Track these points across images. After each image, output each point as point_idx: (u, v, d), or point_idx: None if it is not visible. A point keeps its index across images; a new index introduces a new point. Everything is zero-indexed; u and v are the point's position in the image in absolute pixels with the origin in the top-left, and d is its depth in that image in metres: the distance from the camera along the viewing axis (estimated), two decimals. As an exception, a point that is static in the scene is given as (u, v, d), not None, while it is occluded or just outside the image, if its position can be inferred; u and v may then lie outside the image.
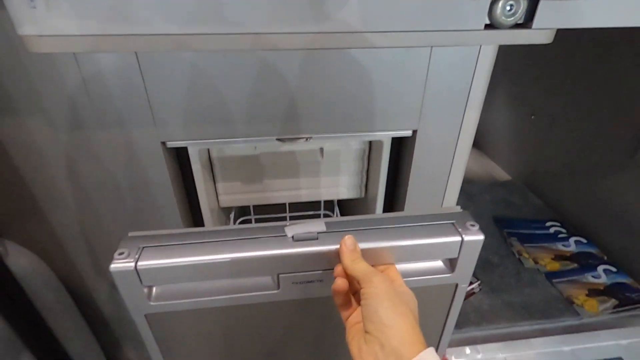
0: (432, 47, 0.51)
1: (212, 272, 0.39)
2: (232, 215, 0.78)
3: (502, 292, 1.02)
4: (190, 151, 0.60)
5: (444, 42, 0.41)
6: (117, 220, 0.60)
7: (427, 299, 0.38)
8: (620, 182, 1.11)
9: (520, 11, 0.41)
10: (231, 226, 0.42)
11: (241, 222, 0.83)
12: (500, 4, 0.40)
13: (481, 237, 0.41)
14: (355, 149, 0.75)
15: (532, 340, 0.92)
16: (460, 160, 0.63)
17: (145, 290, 0.40)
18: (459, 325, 0.92)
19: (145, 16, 0.35)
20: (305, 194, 0.78)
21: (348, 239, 0.39)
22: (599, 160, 1.18)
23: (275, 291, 0.42)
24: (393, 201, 0.74)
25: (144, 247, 0.39)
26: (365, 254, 0.38)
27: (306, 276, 0.41)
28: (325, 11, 0.36)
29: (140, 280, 0.38)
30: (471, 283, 1.02)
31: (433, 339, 0.54)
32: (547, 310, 0.96)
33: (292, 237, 0.40)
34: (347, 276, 0.38)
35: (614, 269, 1.07)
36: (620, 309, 0.95)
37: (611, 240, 1.14)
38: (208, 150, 0.69)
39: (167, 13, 0.35)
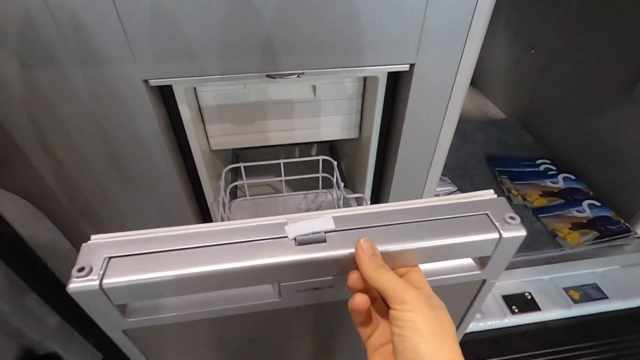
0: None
1: (197, 285, 0.32)
2: (222, 183, 0.75)
3: (490, 227, 1.05)
4: (176, 90, 0.57)
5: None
6: (103, 163, 0.59)
7: (448, 294, 0.33)
8: (614, 119, 1.11)
9: None
10: (219, 225, 0.34)
11: (232, 188, 0.80)
12: None
13: (522, 233, 0.33)
14: (349, 87, 0.72)
15: (515, 270, 0.97)
16: (457, 95, 0.61)
17: (118, 306, 0.33)
18: (447, 259, 0.97)
19: None
20: (298, 135, 0.77)
21: (365, 242, 0.31)
22: (595, 96, 1.16)
23: (276, 300, 0.36)
24: (388, 142, 0.73)
25: (110, 258, 0.31)
26: (385, 257, 0.32)
27: (312, 284, 0.35)
28: None
29: (109, 299, 0.31)
30: (461, 220, 1.06)
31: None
32: (531, 243, 1.01)
33: (295, 239, 0.32)
34: (365, 285, 0.32)
35: (598, 204, 1.11)
36: (600, 240, 1.00)
37: (599, 176, 1.16)
38: (195, 91, 0.66)
39: None
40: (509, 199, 1.15)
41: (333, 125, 0.77)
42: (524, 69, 1.44)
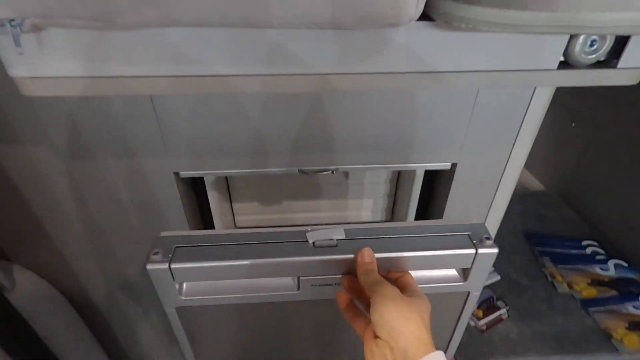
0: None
1: (238, 273, 0.41)
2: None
3: (532, 319, 0.95)
4: (206, 180, 0.56)
5: (509, 82, 0.34)
6: (126, 245, 0.57)
7: (440, 305, 0.40)
8: (672, 205, 1.01)
9: (604, 48, 0.33)
10: (257, 230, 0.44)
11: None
12: (580, 39, 0.32)
13: (495, 250, 0.42)
14: (383, 173, 0.68)
15: (564, 374, 0.86)
16: (503, 196, 0.56)
17: (177, 286, 0.42)
18: (485, 355, 0.87)
19: (151, 55, 0.30)
20: (326, 217, 0.73)
21: (365, 251, 0.40)
22: (648, 178, 1.07)
23: (296, 292, 0.44)
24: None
25: (176, 247, 0.41)
26: (382, 262, 0.40)
27: (325, 279, 0.43)
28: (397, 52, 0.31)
29: (173, 277, 0.40)
30: (499, 308, 0.96)
31: (442, 344, 0.56)
32: (581, 344, 0.89)
33: (313, 243, 0.42)
34: (357, 288, 0.40)
35: (658, 300, 0.98)
36: (664, 346, 0.87)
37: (656, 267, 1.05)
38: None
39: (174, 52, 0.30)
40: (553, 286, 1.04)
41: (363, 208, 0.74)
42: (564, 140, 1.38)
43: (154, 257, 0.40)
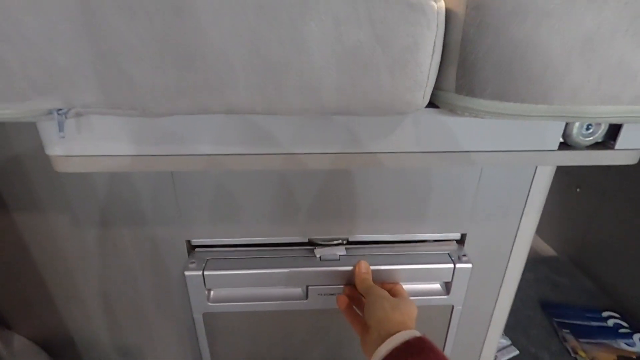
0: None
1: (257, 280, 0.49)
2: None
3: (558, 402, 0.87)
4: (217, 245, 0.56)
5: (512, 162, 0.36)
6: (130, 314, 0.56)
7: (428, 320, 0.48)
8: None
9: (599, 132, 0.35)
10: (274, 248, 0.52)
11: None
12: (577, 123, 0.35)
13: (469, 265, 0.50)
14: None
15: None
16: (516, 263, 0.56)
17: (206, 292, 0.50)
18: None
19: (178, 137, 0.33)
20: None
21: (362, 263, 0.48)
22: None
23: (304, 301, 0.51)
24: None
25: (208, 259, 0.50)
26: (376, 273, 0.49)
27: (329, 289, 0.50)
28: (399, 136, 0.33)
29: (205, 283, 0.48)
30: (521, 388, 0.89)
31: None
32: None
33: (320, 257, 0.50)
34: (356, 296, 0.48)
35: (693, 381, 0.90)
36: None
37: (686, 343, 0.98)
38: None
39: (199, 134, 0.33)
40: (577, 363, 0.97)
41: (373, 276, 0.72)
42: (571, 206, 1.38)
43: (191, 266, 0.48)
